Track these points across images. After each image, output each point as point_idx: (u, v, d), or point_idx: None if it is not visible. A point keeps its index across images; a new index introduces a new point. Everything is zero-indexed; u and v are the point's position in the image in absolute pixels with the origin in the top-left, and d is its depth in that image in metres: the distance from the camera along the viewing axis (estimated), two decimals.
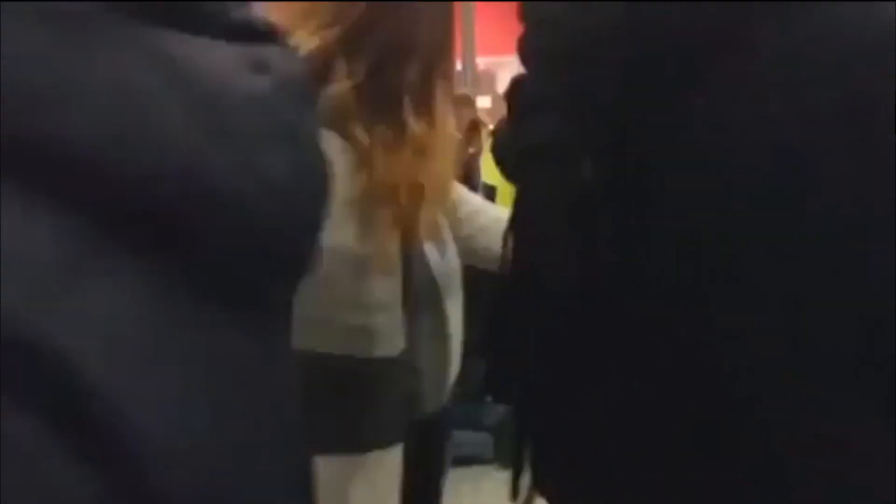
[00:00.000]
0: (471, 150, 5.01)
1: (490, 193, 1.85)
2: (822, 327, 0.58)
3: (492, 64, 10.07)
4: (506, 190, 1.95)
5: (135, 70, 0.40)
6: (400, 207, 1.22)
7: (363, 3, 1.22)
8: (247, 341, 0.46)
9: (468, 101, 5.68)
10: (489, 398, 3.58)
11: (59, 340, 0.34)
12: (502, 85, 6.13)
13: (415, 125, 1.22)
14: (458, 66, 8.42)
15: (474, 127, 5.29)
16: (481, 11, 8.70)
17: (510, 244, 1.00)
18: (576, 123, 0.79)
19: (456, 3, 4.55)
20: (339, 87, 1.18)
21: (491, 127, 6.40)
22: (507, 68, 10.37)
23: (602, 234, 0.74)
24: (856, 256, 0.56)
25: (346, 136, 1.19)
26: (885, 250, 0.54)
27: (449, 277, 1.46)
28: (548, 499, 0.95)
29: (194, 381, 0.41)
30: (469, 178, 4.66)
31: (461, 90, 6.71)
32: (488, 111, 8.07)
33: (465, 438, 3.81)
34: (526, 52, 1.00)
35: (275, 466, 0.48)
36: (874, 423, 0.60)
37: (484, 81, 8.90)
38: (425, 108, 1.24)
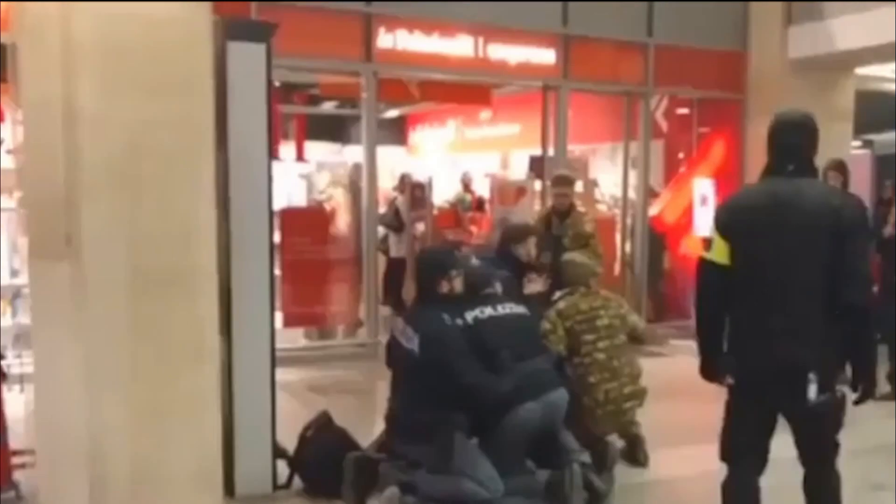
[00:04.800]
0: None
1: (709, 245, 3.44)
2: None
3: (585, 151, 10.38)
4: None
5: None
6: None
7: None
8: None
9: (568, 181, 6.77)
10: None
11: None
12: (593, 170, 8.46)
13: None
14: (552, 152, 8.81)
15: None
16: (575, 102, 9.12)
17: None
18: None
19: (551, 94, 7.03)
20: None
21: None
22: (598, 154, 10.77)
23: None
24: None
25: None
26: None
27: None
28: None
29: None
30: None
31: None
32: (579, 194, 8.30)
33: None
34: None
35: None
36: None
37: (577, 167, 9.19)
38: None
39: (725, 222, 3.39)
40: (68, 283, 3.93)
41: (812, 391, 3.15)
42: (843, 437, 3.43)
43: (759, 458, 3.41)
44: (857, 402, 3.29)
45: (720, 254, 3.36)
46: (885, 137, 12.50)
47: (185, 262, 3.95)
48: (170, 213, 3.90)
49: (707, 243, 3.42)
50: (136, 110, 3.79)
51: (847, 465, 3.52)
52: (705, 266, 3.42)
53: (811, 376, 3.15)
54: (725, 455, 3.45)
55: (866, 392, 3.27)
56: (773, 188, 3.34)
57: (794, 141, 3.37)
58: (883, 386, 6.26)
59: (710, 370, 3.52)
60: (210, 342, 4.05)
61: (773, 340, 3.22)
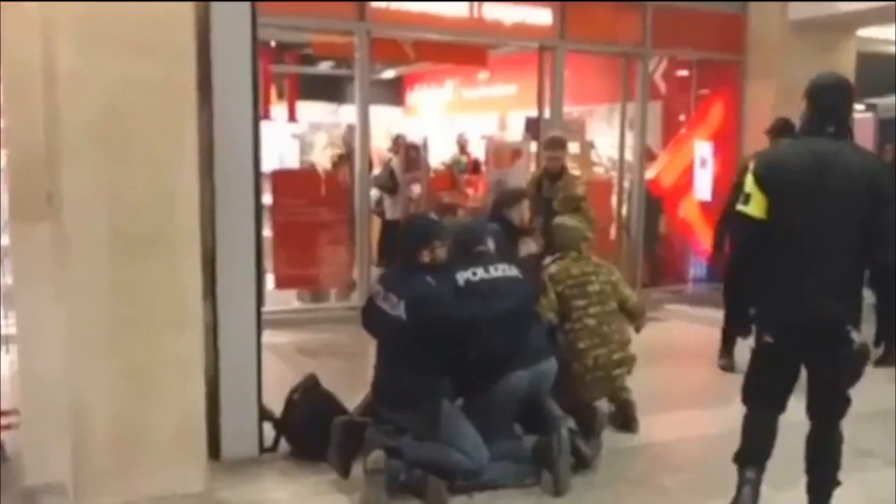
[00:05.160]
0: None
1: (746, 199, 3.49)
2: None
3: (582, 112, 10.27)
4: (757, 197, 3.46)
5: None
6: None
7: None
8: None
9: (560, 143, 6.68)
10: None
11: None
12: (590, 132, 7.93)
13: None
14: (548, 113, 8.68)
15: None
16: (572, 63, 8.91)
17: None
18: None
19: (547, 55, 6.74)
20: None
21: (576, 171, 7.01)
22: (595, 116, 10.63)
23: None
24: None
25: None
26: None
27: None
28: None
29: None
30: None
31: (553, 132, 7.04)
32: (576, 156, 8.19)
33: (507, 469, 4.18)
34: None
35: None
36: None
37: (573, 128, 9.08)
38: None
39: (767, 178, 3.47)
40: (50, 245, 3.92)
41: (855, 336, 3.38)
42: None
43: (778, 407, 3.63)
44: (878, 363, 3.56)
45: (758, 208, 3.46)
46: (888, 101, 12.37)
47: (168, 223, 3.93)
48: (152, 174, 3.87)
49: (745, 197, 3.51)
50: (116, 70, 3.74)
51: None
52: (742, 220, 3.53)
53: (848, 328, 3.38)
54: (752, 398, 3.69)
55: (889, 350, 3.38)
56: (815, 148, 3.45)
57: (833, 101, 3.49)
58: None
59: (738, 323, 3.78)
60: (193, 304, 4.02)
61: (807, 298, 3.41)
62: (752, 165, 3.63)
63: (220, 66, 4.25)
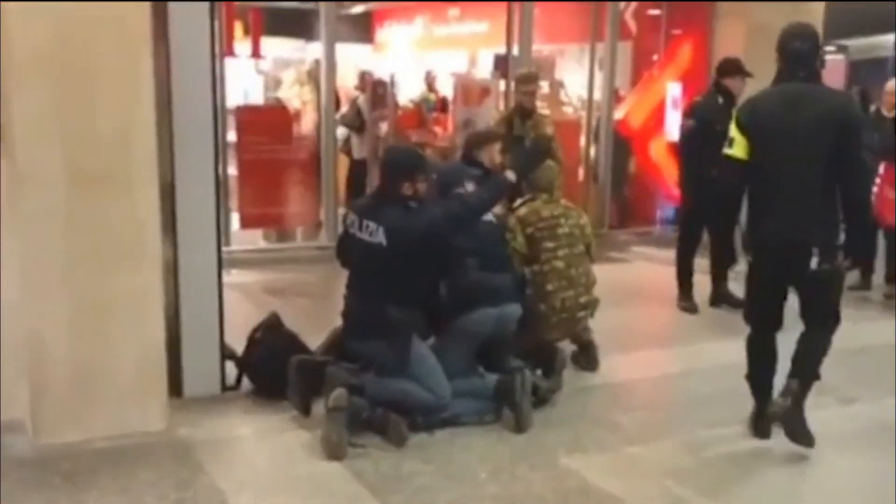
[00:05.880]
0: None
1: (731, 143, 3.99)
2: None
3: (553, 51, 10.02)
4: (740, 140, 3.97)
5: None
6: None
7: None
8: None
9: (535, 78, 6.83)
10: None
11: None
12: (560, 71, 7.74)
13: None
14: (517, 51, 8.55)
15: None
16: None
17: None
18: None
19: None
20: None
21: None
22: (566, 55, 10.36)
23: None
24: None
25: None
26: None
27: None
28: None
29: None
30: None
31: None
32: (545, 95, 8.02)
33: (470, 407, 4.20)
34: None
35: None
36: None
37: (543, 67, 8.88)
38: None
39: (746, 123, 3.97)
40: (3, 180, 3.83)
41: (814, 262, 3.81)
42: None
43: (775, 319, 4.06)
44: (849, 268, 3.95)
45: (740, 150, 3.96)
46: (859, 43, 12.36)
47: (124, 157, 3.86)
48: (106, 107, 3.79)
49: (729, 141, 4.00)
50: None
51: None
52: (728, 161, 4.01)
53: (814, 251, 3.81)
54: (748, 318, 4.18)
55: (857, 260, 4.04)
56: (786, 92, 3.93)
57: (800, 49, 3.93)
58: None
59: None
60: (151, 242, 3.97)
61: (784, 223, 3.88)
62: (734, 113, 4.13)
63: None
